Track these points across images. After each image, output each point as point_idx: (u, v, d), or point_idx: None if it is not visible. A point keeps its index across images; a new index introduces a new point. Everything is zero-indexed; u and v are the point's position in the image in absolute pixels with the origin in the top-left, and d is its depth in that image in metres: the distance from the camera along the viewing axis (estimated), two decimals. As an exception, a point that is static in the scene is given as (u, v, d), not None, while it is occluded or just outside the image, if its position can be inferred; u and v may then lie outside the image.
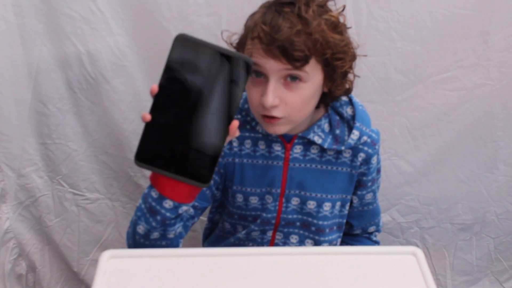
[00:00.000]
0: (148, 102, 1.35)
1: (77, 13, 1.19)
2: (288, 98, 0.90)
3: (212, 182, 1.03)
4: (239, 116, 1.04)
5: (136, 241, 0.94)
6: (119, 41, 1.24)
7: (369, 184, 1.08)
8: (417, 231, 1.51)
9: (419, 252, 0.88)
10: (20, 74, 1.25)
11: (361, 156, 1.03)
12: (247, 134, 1.04)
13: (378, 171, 1.10)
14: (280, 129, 0.94)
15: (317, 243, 1.10)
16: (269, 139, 1.03)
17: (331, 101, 1.02)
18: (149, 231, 0.91)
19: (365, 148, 1.03)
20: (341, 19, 0.92)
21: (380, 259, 0.88)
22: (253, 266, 0.85)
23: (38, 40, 1.22)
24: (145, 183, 1.41)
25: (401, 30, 1.24)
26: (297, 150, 1.03)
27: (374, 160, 1.05)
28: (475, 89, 1.32)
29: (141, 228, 0.92)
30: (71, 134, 1.34)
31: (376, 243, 1.19)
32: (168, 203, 0.86)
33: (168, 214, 0.87)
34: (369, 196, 1.10)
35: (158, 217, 0.88)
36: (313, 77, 0.91)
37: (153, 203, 0.87)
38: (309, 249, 0.94)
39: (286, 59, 0.86)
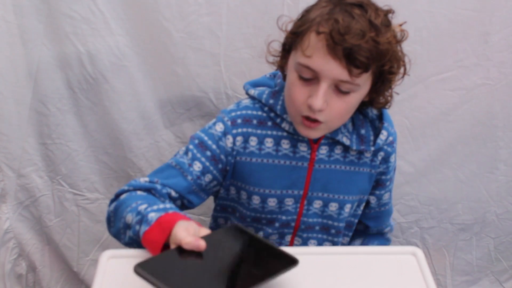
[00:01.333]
0: (148, 102, 1.35)
1: (77, 13, 1.19)
2: (334, 104, 0.88)
3: (199, 171, 0.98)
4: (259, 113, 1.00)
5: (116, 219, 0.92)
6: (119, 41, 1.24)
7: (387, 183, 1.08)
8: (417, 231, 1.51)
9: (419, 252, 0.88)
10: (20, 74, 1.25)
11: (381, 155, 1.03)
12: (269, 132, 0.99)
13: (394, 170, 1.10)
14: (316, 134, 0.93)
15: (334, 244, 1.09)
16: (295, 138, 0.99)
17: (362, 108, 0.99)
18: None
19: (385, 147, 1.02)
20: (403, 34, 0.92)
21: (380, 259, 0.88)
22: (253, 266, 0.85)
23: (38, 40, 1.22)
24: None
25: (401, 30, 1.24)
26: (323, 151, 1.00)
27: (392, 158, 1.05)
28: (475, 89, 1.32)
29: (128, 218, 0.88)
30: (71, 134, 1.34)
31: (389, 241, 1.18)
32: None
33: None
34: (386, 196, 1.10)
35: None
36: (362, 89, 0.89)
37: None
38: (309, 249, 0.94)
39: (347, 63, 0.83)
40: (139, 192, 0.94)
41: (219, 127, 0.99)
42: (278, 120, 0.98)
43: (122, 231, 0.90)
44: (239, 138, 0.99)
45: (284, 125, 0.98)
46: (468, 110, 1.35)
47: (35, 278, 1.51)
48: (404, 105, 1.33)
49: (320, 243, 1.08)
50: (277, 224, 1.05)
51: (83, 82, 1.28)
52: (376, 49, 0.84)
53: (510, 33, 1.26)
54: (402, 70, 0.93)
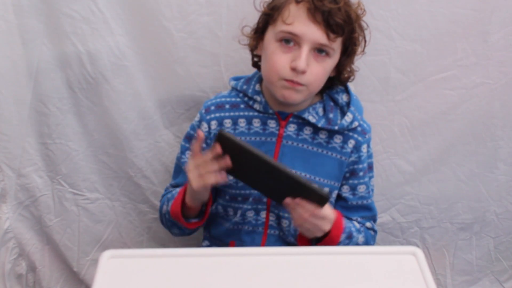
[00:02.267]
0: (148, 102, 1.36)
1: (77, 13, 1.19)
2: (314, 68, 0.98)
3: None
4: (233, 99, 1.11)
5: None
6: (119, 41, 1.24)
7: (361, 174, 1.11)
8: (417, 230, 1.51)
9: (419, 252, 0.88)
10: (20, 74, 1.25)
11: (351, 143, 1.08)
12: (241, 113, 1.10)
13: (370, 167, 1.14)
14: (298, 96, 1.01)
15: None
16: (265, 116, 1.08)
17: (331, 87, 1.09)
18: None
19: (355, 136, 1.09)
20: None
21: (380, 259, 0.88)
22: (253, 266, 0.85)
23: (38, 40, 1.22)
24: (145, 183, 1.41)
25: (401, 30, 1.24)
26: (291, 128, 1.08)
27: (364, 148, 1.10)
28: (474, 89, 1.32)
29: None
30: (71, 134, 1.34)
31: (374, 231, 1.19)
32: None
33: None
34: (362, 189, 1.12)
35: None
36: (335, 54, 1.01)
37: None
38: (309, 249, 0.94)
39: (325, 27, 0.95)
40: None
41: (197, 117, 1.15)
42: (251, 102, 1.10)
43: (169, 224, 1.14)
44: (213, 122, 1.11)
45: (256, 106, 1.09)
46: (467, 110, 1.35)
47: (35, 278, 1.51)
48: (404, 104, 1.33)
49: (291, 222, 1.11)
50: (251, 199, 1.11)
51: (83, 82, 1.27)
52: (347, 15, 0.97)
53: (510, 32, 1.26)
54: (362, 44, 1.05)
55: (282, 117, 1.08)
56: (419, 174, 1.43)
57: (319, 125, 1.06)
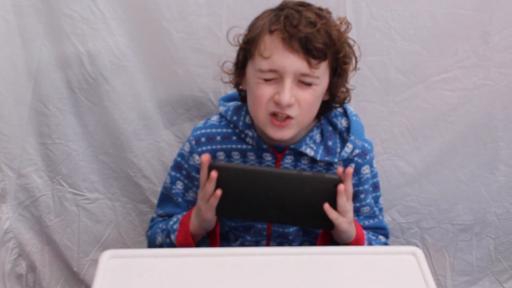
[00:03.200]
0: (148, 102, 1.36)
1: (77, 13, 1.19)
2: (301, 97, 0.92)
3: (182, 189, 1.09)
4: (224, 130, 1.05)
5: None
6: (119, 41, 1.24)
7: (362, 196, 1.06)
8: (417, 231, 1.51)
9: (419, 252, 0.88)
10: (20, 74, 1.25)
11: (351, 166, 1.03)
12: (233, 146, 1.04)
13: (376, 187, 1.09)
14: (288, 133, 0.95)
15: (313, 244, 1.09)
16: (260, 150, 1.02)
17: (327, 111, 1.02)
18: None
19: (355, 159, 1.03)
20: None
21: (380, 259, 0.88)
22: (253, 266, 0.85)
23: (38, 40, 1.22)
24: (145, 183, 1.41)
25: (401, 30, 1.24)
26: (288, 160, 1.03)
27: (364, 170, 1.04)
28: (475, 90, 1.32)
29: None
30: (71, 134, 1.34)
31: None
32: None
33: None
34: (365, 210, 1.08)
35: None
36: (322, 80, 0.94)
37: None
38: (309, 249, 0.94)
39: (305, 54, 0.88)
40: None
41: (187, 147, 1.07)
42: (242, 135, 1.03)
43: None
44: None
45: (248, 140, 1.02)
46: (468, 111, 1.35)
47: (35, 278, 1.51)
48: (404, 105, 1.33)
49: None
50: (252, 231, 1.08)
51: (83, 82, 1.27)
52: (328, 37, 0.89)
53: (510, 33, 1.26)
54: (353, 60, 0.98)
55: (278, 150, 1.02)
56: (419, 175, 1.43)
57: (318, 158, 1.00)
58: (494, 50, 1.28)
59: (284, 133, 0.94)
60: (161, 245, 1.06)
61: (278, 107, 0.91)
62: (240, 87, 1.03)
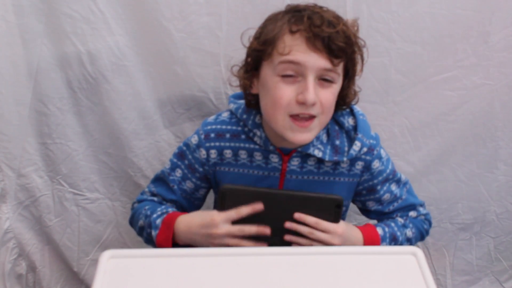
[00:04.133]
0: (148, 102, 1.35)
1: (77, 13, 1.19)
2: (323, 96, 0.92)
3: (180, 177, 1.10)
4: (233, 127, 1.04)
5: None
6: (119, 41, 1.24)
7: (378, 188, 1.07)
8: (417, 231, 1.51)
9: (419, 252, 0.88)
10: (20, 74, 1.25)
11: (360, 164, 1.03)
12: (242, 144, 1.03)
13: (392, 175, 1.08)
14: (309, 136, 0.95)
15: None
16: (267, 151, 1.02)
17: (335, 112, 1.01)
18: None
19: (363, 156, 1.03)
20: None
21: (380, 259, 0.88)
22: (253, 266, 0.85)
23: (38, 40, 1.22)
24: (145, 183, 1.40)
25: (402, 31, 1.24)
26: (295, 162, 1.02)
27: (375, 165, 1.04)
28: (475, 89, 1.32)
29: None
30: (71, 134, 1.34)
31: (423, 215, 1.15)
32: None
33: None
34: (386, 198, 1.09)
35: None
36: (339, 80, 0.95)
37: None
38: (309, 249, 0.94)
39: (328, 53, 0.88)
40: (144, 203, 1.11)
41: (194, 140, 1.07)
42: (251, 134, 1.02)
43: (141, 233, 1.09)
44: (213, 151, 1.05)
45: (256, 139, 1.02)
46: (468, 110, 1.35)
47: (35, 278, 1.51)
48: (404, 105, 1.33)
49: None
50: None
51: (83, 82, 1.27)
52: (347, 37, 0.90)
53: (510, 33, 1.26)
54: (360, 63, 0.98)
55: (285, 152, 1.01)
56: (419, 175, 1.43)
57: (326, 158, 1.00)
58: (494, 50, 1.28)
59: (305, 136, 0.94)
60: (141, 229, 1.08)
61: (301, 108, 0.91)
62: (250, 91, 1.00)
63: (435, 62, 1.28)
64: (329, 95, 0.92)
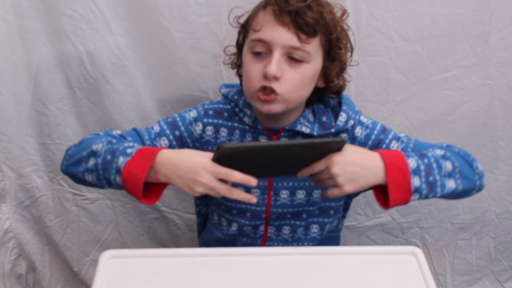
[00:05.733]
0: (148, 102, 1.35)
1: (77, 13, 1.19)
2: (288, 75, 0.92)
3: (165, 146, 1.03)
4: (228, 106, 1.06)
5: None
6: (119, 41, 1.24)
7: (381, 145, 1.02)
8: (417, 231, 1.51)
9: (419, 252, 0.88)
10: (20, 74, 1.25)
11: (343, 136, 1.02)
12: (235, 124, 1.05)
13: (379, 139, 1.02)
14: (275, 107, 0.95)
15: (308, 228, 1.09)
16: (256, 131, 1.03)
17: (321, 97, 1.03)
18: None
19: (345, 128, 1.01)
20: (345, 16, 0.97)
21: (380, 259, 0.88)
22: (253, 266, 0.85)
23: (38, 40, 1.22)
24: (145, 183, 1.41)
25: (401, 30, 1.24)
26: None
27: (357, 132, 1.02)
28: (475, 89, 1.32)
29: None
30: (71, 134, 1.34)
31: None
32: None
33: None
34: (395, 145, 1.02)
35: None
36: (314, 59, 0.93)
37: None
38: (309, 249, 0.94)
39: (295, 28, 0.89)
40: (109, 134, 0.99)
41: (192, 113, 1.07)
42: (241, 114, 1.03)
43: (84, 159, 0.94)
44: (210, 128, 1.05)
45: (246, 119, 1.03)
46: (468, 110, 1.35)
47: (35, 278, 1.51)
48: (404, 105, 1.33)
49: (294, 229, 1.09)
50: (248, 214, 1.07)
51: (83, 82, 1.28)
52: (319, 14, 0.90)
53: (510, 33, 1.26)
54: (349, 45, 0.98)
55: (273, 132, 1.02)
56: (419, 175, 1.43)
57: (314, 133, 1.00)
58: (494, 50, 1.28)
59: (270, 107, 0.94)
60: (91, 156, 0.92)
61: (265, 80, 0.92)
62: (240, 71, 1.04)
63: (435, 62, 1.28)
64: (295, 74, 0.92)
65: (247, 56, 0.96)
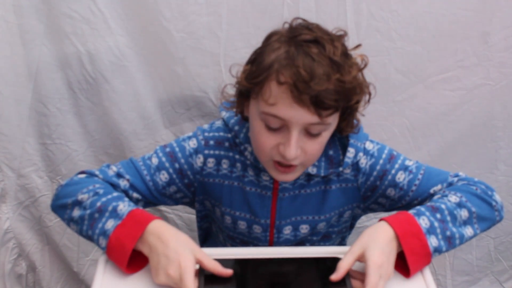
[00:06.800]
0: (148, 102, 1.35)
1: (77, 13, 1.19)
2: (308, 147, 0.85)
3: (165, 182, 0.99)
4: (228, 135, 0.99)
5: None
6: (119, 41, 1.23)
7: (378, 183, 0.98)
8: (417, 231, 1.51)
9: (419, 252, 0.87)
10: (20, 74, 1.25)
11: (347, 170, 0.97)
12: (237, 156, 0.99)
13: (390, 159, 0.97)
14: (292, 177, 0.91)
15: None
16: (257, 168, 0.98)
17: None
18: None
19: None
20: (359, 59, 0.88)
21: (380, 259, 0.87)
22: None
23: (38, 40, 1.22)
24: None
25: (401, 31, 1.24)
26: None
27: (362, 162, 0.97)
28: (475, 89, 1.32)
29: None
30: (71, 134, 1.34)
31: (465, 180, 0.95)
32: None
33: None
34: (401, 177, 0.96)
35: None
36: (332, 125, 0.87)
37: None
38: (308, 249, 0.94)
39: (316, 108, 0.79)
40: (97, 179, 0.93)
41: (193, 143, 0.99)
42: (242, 147, 0.97)
43: (68, 206, 0.89)
44: (211, 160, 0.99)
45: (247, 154, 0.97)
46: (468, 110, 1.35)
47: (35, 278, 1.51)
48: (404, 105, 1.33)
49: None
50: (250, 245, 1.05)
51: (83, 82, 1.27)
52: (342, 89, 0.80)
53: (510, 33, 1.26)
54: (367, 97, 0.90)
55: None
56: (419, 175, 1.43)
57: (322, 173, 0.95)
58: (494, 50, 1.28)
59: (289, 177, 0.91)
60: (76, 205, 0.88)
61: (282, 158, 0.85)
62: (244, 114, 0.94)
63: (435, 62, 1.28)
64: (314, 145, 0.86)
65: (257, 122, 0.86)
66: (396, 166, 0.97)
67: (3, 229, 1.39)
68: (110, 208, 0.84)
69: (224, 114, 1.01)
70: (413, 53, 1.27)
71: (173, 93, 1.31)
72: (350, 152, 0.95)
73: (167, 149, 0.99)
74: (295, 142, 0.83)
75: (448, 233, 0.85)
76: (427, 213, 0.85)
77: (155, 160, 0.98)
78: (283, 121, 0.82)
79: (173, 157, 0.99)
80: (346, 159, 0.95)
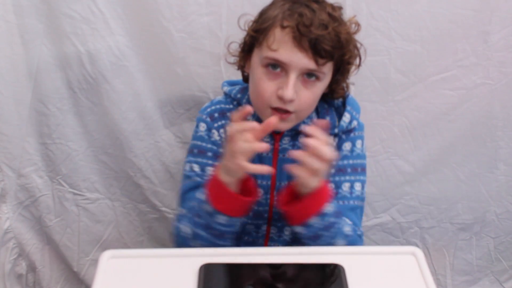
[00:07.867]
0: (148, 102, 1.35)
1: (77, 13, 1.19)
2: (303, 95, 0.92)
3: None
4: (231, 106, 1.06)
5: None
6: (119, 41, 1.24)
7: (349, 170, 1.03)
8: (417, 231, 1.51)
9: (419, 252, 0.88)
10: (20, 74, 1.25)
11: (348, 145, 1.03)
12: None
13: (363, 169, 1.04)
14: (287, 125, 0.96)
15: None
16: None
17: (324, 98, 1.03)
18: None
19: (351, 135, 1.03)
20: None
21: (380, 259, 0.88)
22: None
23: (38, 40, 1.22)
24: (145, 183, 1.41)
25: (401, 30, 1.24)
26: (285, 141, 1.04)
27: (358, 144, 1.04)
28: (475, 89, 1.32)
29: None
30: (71, 134, 1.34)
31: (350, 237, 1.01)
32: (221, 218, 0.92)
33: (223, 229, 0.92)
34: (346, 187, 1.03)
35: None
36: (325, 77, 0.95)
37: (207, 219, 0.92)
38: (308, 249, 0.94)
39: (313, 53, 0.88)
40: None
41: (202, 127, 1.05)
42: None
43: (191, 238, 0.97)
44: (222, 130, 1.05)
45: (249, 118, 1.01)
46: (468, 110, 1.35)
47: (35, 278, 1.51)
48: (404, 105, 1.33)
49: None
50: (251, 214, 1.06)
51: (83, 82, 1.28)
52: (338, 39, 0.90)
53: (510, 33, 1.26)
54: (357, 60, 0.98)
55: (276, 131, 1.02)
56: (419, 174, 1.43)
57: None
58: (494, 49, 1.28)
59: (282, 125, 0.95)
60: (198, 216, 0.95)
61: (280, 102, 0.92)
62: (244, 70, 1.03)
63: (435, 62, 1.28)
64: (309, 94, 0.93)
65: (258, 69, 0.94)
66: (354, 178, 1.03)
67: (3, 229, 1.39)
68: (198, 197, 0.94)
69: (226, 88, 1.08)
70: (413, 52, 1.27)
71: (173, 93, 1.31)
72: (346, 117, 1.02)
73: (195, 150, 1.05)
74: (292, 84, 0.90)
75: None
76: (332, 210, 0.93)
77: (196, 167, 1.04)
78: (283, 64, 0.90)
79: (202, 151, 1.04)
80: (341, 123, 1.02)
